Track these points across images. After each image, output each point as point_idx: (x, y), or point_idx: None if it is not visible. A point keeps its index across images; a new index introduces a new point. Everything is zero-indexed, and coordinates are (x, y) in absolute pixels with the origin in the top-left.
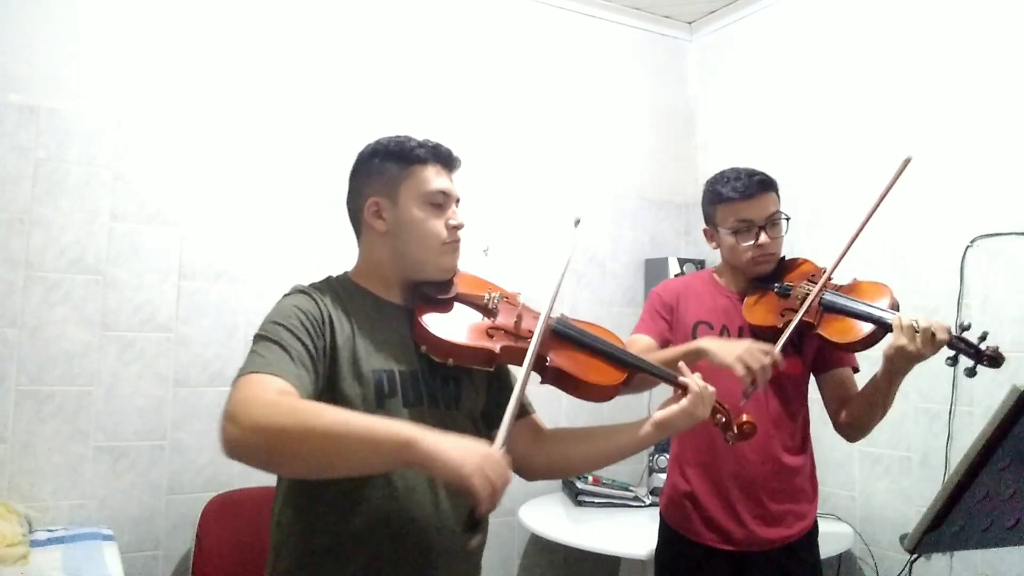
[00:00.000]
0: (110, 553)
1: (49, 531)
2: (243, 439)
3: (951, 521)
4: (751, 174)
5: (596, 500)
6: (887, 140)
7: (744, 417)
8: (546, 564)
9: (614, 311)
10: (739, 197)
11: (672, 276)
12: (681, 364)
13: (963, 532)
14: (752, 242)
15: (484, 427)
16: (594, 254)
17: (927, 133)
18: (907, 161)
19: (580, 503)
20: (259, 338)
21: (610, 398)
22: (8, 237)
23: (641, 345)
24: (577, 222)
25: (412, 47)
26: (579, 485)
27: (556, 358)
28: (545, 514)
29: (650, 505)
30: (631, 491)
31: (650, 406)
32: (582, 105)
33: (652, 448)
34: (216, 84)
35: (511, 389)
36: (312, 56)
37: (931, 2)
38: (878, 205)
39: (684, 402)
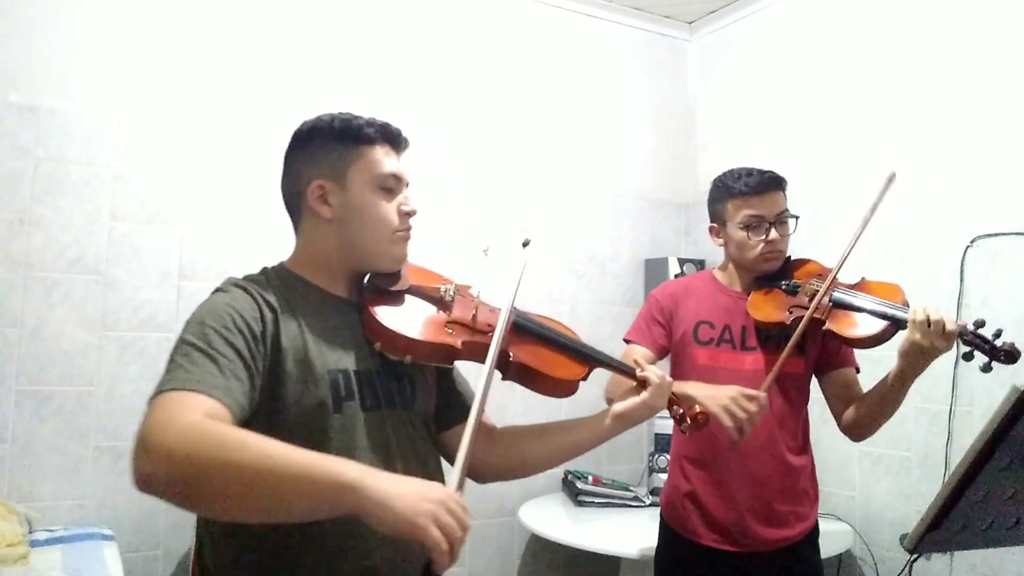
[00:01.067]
0: (110, 553)
1: (49, 531)
2: (154, 472)
3: (951, 521)
4: (762, 171)
5: (596, 500)
6: (887, 140)
7: (697, 408)
8: (546, 564)
9: (614, 311)
10: (751, 192)
11: (672, 276)
12: (638, 358)
13: (963, 532)
14: (763, 238)
15: (435, 428)
16: (594, 254)
17: (927, 133)
18: (892, 177)
19: (580, 503)
20: (183, 344)
21: (572, 393)
22: (8, 237)
23: (636, 357)
24: (526, 243)
25: (413, 48)
26: (579, 485)
27: (519, 353)
28: (545, 514)
29: (650, 505)
30: (631, 491)
31: None
32: (582, 105)
33: (652, 448)
34: (216, 84)
35: (458, 386)
36: (312, 56)
37: (931, 2)
38: (868, 220)
39: (645, 394)
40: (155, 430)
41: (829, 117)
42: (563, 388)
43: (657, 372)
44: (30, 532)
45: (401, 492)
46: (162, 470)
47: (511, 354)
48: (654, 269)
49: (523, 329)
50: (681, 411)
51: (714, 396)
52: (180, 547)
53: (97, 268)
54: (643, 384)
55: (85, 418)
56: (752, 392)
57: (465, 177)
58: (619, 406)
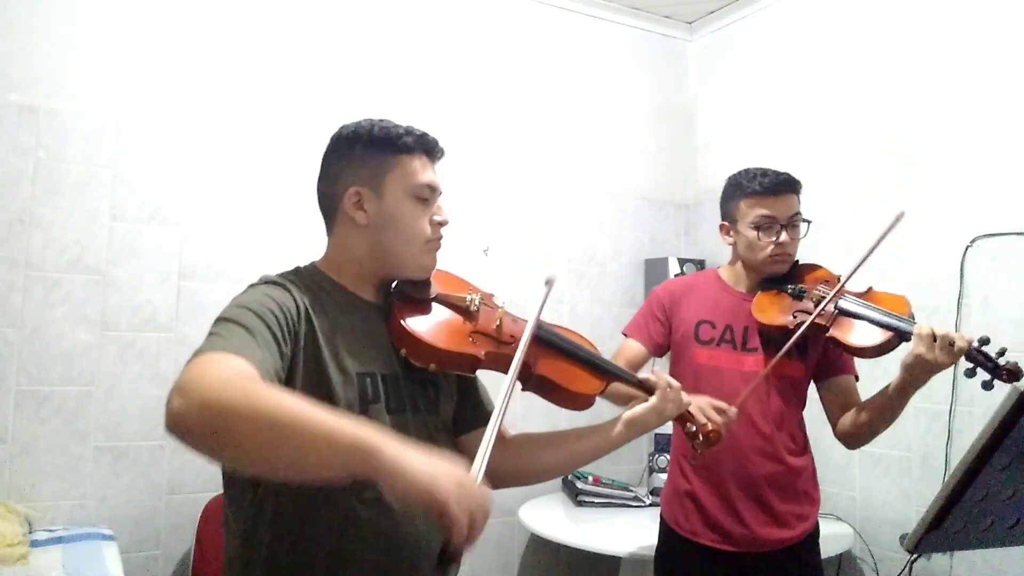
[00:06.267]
0: (110, 553)
1: (49, 531)
2: (187, 414)
3: (951, 521)
4: (778, 173)
5: (596, 500)
6: (888, 140)
7: (710, 425)
8: (546, 564)
9: (614, 311)
10: (765, 192)
11: (672, 276)
12: (656, 370)
13: (963, 532)
14: (773, 239)
15: (452, 433)
16: (594, 254)
17: (927, 133)
18: (900, 216)
19: (580, 503)
20: (219, 321)
21: (589, 406)
22: (8, 237)
23: (630, 353)
24: (548, 282)
25: (413, 48)
26: (579, 485)
27: (541, 366)
28: (545, 514)
29: (650, 505)
30: (631, 491)
31: None
32: (582, 105)
33: (652, 448)
34: (216, 84)
35: (478, 392)
36: (313, 56)
37: (932, 2)
38: (867, 256)
39: (653, 399)
40: (192, 376)
41: (829, 117)
42: (581, 402)
43: (664, 377)
44: (30, 532)
45: (422, 463)
46: (194, 411)
47: (533, 367)
48: (654, 269)
49: (546, 342)
50: (694, 428)
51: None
52: (180, 547)
53: (97, 268)
54: (650, 391)
55: (85, 418)
56: (722, 404)
57: (465, 177)
58: (629, 413)
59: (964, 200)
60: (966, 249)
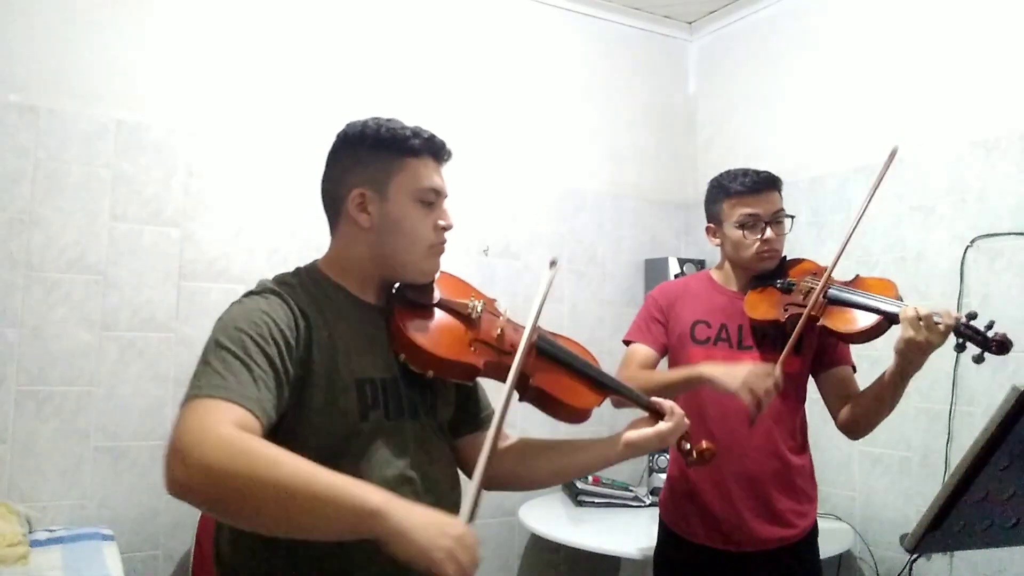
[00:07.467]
0: (110, 553)
1: (49, 531)
2: (189, 481)
3: (951, 521)
4: (758, 171)
5: (596, 500)
6: (887, 139)
7: (704, 444)
8: (546, 564)
9: (614, 311)
10: (747, 191)
11: (672, 276)
12: (641, 362)
13: (963, 532)
14: (759, 236)
15: (449, 436)
16: (594, 254)
17: (927, 133)
18: (894, 152)
19: (580, 503)
20: (218, 347)
21: (585, 420)
22: (8, 237)
23: (641, 357)
24: (553, 263)
25: (413, 48)
26: (579, 485)
27: (539, 378)
28: (545, 514)
29: (650, 505)
30: (631, 491)
31: None
32: (582, 105)
33: None
34: (216, 84)
35: (477, 396)
36: (313, 55)
37: (931, 1)
38: (871, 198)
39: (663, 427)
40: (191, 440)
41: (828, 117)
42: (577, 415)
43: (676, 409)
44: (30, 532)
45: (422, 523)
46: (198, 482)
47: (531, 378)
48: (654, 269)
49: (545, 353)
50: (688, 446)
51: (733, 373)
52: (180, 547)
53: (97, 268)
54: (658, 415)
55: (85, 418)
56: (767, 367)
57: (464, 176)
58: (632, 435)
59: (964, 200)
60: (966, 249)
